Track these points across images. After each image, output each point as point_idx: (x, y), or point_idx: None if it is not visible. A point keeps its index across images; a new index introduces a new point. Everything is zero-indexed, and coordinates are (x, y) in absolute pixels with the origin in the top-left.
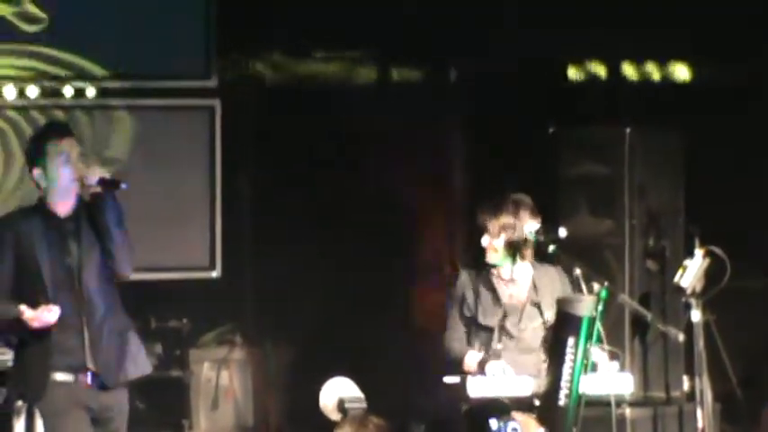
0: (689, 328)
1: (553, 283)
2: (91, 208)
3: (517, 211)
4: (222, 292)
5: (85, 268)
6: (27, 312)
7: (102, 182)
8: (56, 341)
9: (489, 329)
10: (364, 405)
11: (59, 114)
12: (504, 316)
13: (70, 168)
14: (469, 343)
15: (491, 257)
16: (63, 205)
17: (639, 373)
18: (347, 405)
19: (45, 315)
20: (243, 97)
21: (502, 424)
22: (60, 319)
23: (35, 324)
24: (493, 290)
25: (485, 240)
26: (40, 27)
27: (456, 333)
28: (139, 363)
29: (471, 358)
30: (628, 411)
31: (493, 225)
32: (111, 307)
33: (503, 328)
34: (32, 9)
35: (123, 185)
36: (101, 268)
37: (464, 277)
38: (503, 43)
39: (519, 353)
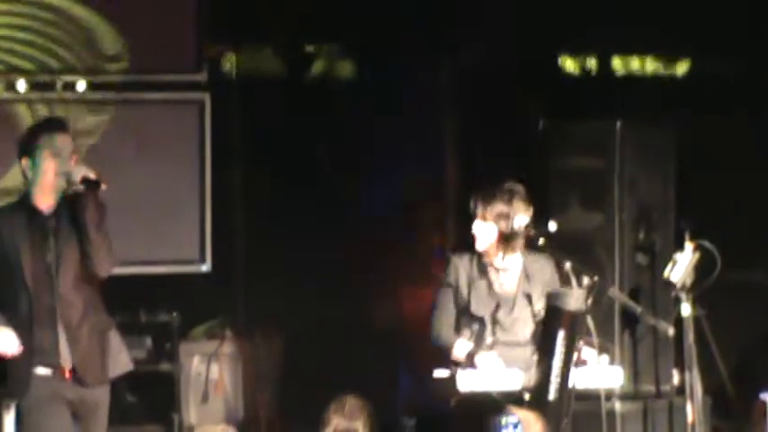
0: (679, 322)
1: (543, 271)
2: (72, 206)
3: (511, 199)
4: (212, 286)
5: (63, 266)
6: None
7: (85, 180)
8: (35, 338)
9: (481, 320)
10: None
11: (49, 108)
12: (497, 306)
13: (57, 162)
14: (458, 330)
15: (480, 244)
16: (46, 200)
17: (629, 366)
18: None
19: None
20: (233, 91)
21: (505, 419)
22: (39, 316)
23: None
24: (487, 279)
25: (476, 227)
26: None
27: (445, 318)
28: (120, 361)
29: (460, 348)
30: (618, 405)
31: (486, 212)
32: (90, 305)
33: (495, 319)
34: None
35: (103, 186)
36: (79, 266)
37: (457, 264)
38: (494, 38)
39: (509, 346)
